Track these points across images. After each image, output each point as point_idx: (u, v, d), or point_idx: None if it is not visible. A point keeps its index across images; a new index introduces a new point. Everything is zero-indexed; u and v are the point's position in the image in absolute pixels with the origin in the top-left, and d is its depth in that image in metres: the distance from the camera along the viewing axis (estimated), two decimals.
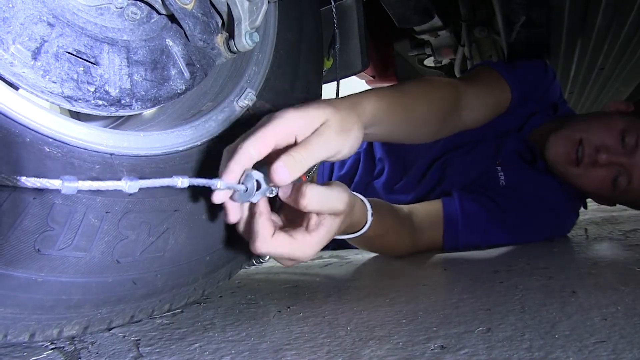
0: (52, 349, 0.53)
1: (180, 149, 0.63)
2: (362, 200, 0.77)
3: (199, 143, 0.64)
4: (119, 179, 0.55)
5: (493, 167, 1.17)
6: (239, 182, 0.54)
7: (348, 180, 1.40)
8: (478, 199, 1.08)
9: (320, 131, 0.57)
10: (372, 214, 0.77)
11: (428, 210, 1.06)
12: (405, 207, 1.02)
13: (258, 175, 0.55)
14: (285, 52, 0.77)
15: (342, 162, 1.48)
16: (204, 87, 0.73)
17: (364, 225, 0.77)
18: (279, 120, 0.55)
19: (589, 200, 1.27)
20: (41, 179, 0.39)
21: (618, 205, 1.22)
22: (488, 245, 1.07)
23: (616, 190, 1.09)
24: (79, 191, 0.41)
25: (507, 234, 1.07)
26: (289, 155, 0.53)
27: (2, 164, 0.46)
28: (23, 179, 0.39)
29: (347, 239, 0.79)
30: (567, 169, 1.12)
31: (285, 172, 0.52)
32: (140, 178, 0.52)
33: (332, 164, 1.50)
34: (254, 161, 0.54)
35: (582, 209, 1.26)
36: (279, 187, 0.58)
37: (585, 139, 1.09)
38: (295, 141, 0.56)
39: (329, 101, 0.62)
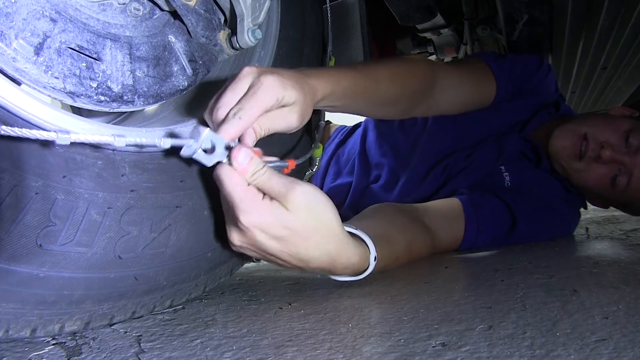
0: (53, 344, 0.53)
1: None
2: (364, 242, 0.69)
3: None
4: (121, 176, 0.56)
5: (497, 168, 1.17)
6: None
7: (345, 188, 1.39)
8: (490, 198, 1.08)
9: (288, 111, 0.63)
10: (375, 258, 0.68)
11: (445, 209, 1.02)
12: (420, 207, 0.97)
13: (216, 138, 0.56)
14: (287, 50, 0.77)
15: (337, 172, 1.47)
16: (206, 83, 0.73)
17: (367, 266, 0.69)
18: (267, 92, 0.59)
19: None
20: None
21: None
22: (496, 245, 1.07)
23: (614, 190, 1.09)
24: (82, 186, 0.42)
25: (516, 234, 1.07)
26: (257, 123, 0.60)
27: (4, 159, 0.46)
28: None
29: (349, 281, 0.71)
30: (569, 162, 1.12)
31: (254, 136, 0.60)
32: (142, 172, 0.53)
33: (325, 174, 1.49)
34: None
35: (582, 209, 1.25)
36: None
37: (590, 134, 1.09)
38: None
39: (299, 80, 0.64)
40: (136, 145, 0.53)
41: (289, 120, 0.63)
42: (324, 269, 0.65)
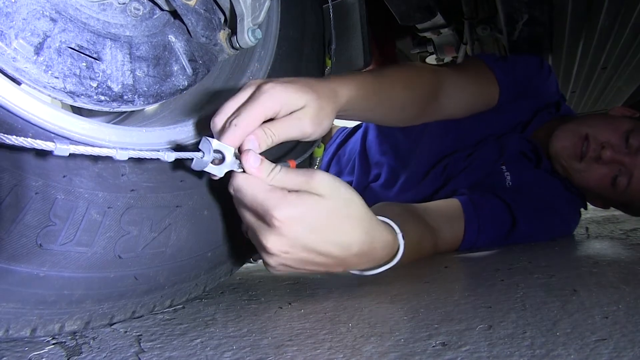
0: (53, 344, 0.53)
1: (183, 144, 0.63)
2: (389, 225, 0.67)
3: None
4: (121, 175, 0.56)
5: (498, 167, 1.17)
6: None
7: None
8: (491, 198, 1.08)
9: (298, 115, 0.60)
10: (403, 237, 0.67)
11: (446, 209, 1.02)
12: (420, 207, 0.97)
13: (224, 147, 0.55)
14: (287, 49, 0.77)
15: (338, 173, 1.48)
16: (206, 83, 0.73)
17: (396, 253, 0.67)
18: (267, 96, 0.58)
19: None
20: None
21: None
22: (496, 245, 1.07)
23: (615, 190, 1.09)
24: (82, 186, 0.42)
25: (516, 234, 1.07)
26: (262, 129, 0.58)
27: (4, 159, 0.46)
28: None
29: (378, 272, 0.68)
30: (569, 162, 1.12)
31: (255, 142, 0.57)
32: (142, 172, 0.53)
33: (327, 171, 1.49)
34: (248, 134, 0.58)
35: (582, 209, 1.26)
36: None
37: (591, 134, 1.10)
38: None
39: (311, 84, 0.64)
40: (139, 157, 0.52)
41: (301, 125, 0.61)
42: (364, 254, 0.61)
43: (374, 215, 0.63)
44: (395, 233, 0.67)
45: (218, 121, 0.58)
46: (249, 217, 0.57)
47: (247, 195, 0.55)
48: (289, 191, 0.55)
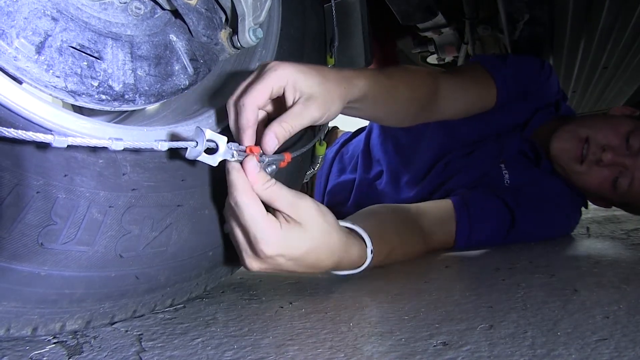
0: (54, 343, 0.53)
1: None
2: (360, 235, 0.73)
3: None
4: (123, 174, 0.56)
5: (497, 166, 1.17)
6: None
7: (349, 185, 1.40)
8: (487, 197, 1.08)
9: (306, 103, 0.62)
10: (372, 251, 0.73)
11: (438, 210, 1.03)
12: (413, 208, 0.98)
13: (218, 137, 0.56)
14: (288, 49, 0.77)
15: (341, 170, 1.48)
16: (207, 82, 0.73)
17: (365, 260, 0.73)
18: (271, 72, 0.61)
19: None
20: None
21: None
22: (495, 244, 1.07)
23: (616, 191, 1.09)
24: (83, 185, 0.42)
25: (515, 233, 1.07)
26: (279, 125, 0.60)
27: (5, 158, 0.46)
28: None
29: (347, 275, 0.75)
30: (570, 165, 1.12)
31: (275, 140, 0.60)
32: (143, 171, 0.53)
33: (330, 169, 1.50)
34: (258, 112, 0.61)
35: (583, 208, 1.26)
36: (245, 156, 0.59)
37: (591, 137, 1.09)
38: (284, 93, 0.63)
39: (317, 67, 0.66)
40: (134, 149, 0.52)
41: (309, 111, 0.62)
42: (330, 270, 0.71)
43: (347, 238, 0.68)
44: (366, 247, 0.73)
45: (231, 103, 0.61)
46: (237, 232, 0.61)
47: (244, 215, 0.57)
48: (281, 223, 0.59)
